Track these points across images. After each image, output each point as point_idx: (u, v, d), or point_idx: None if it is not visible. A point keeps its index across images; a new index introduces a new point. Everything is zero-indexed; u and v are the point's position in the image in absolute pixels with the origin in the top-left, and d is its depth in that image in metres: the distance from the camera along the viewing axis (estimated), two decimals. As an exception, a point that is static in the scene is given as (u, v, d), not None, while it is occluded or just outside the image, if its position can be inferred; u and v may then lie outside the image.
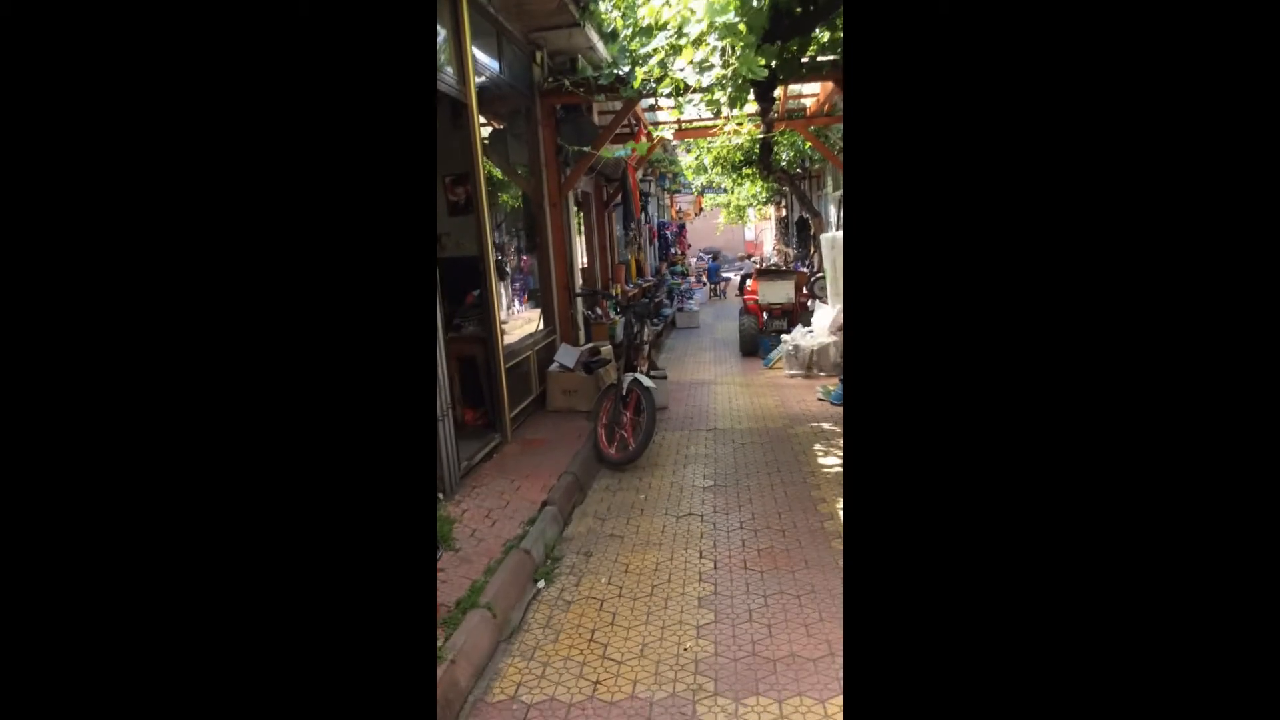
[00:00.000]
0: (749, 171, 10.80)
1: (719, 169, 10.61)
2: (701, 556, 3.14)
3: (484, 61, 5.18)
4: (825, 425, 5.15)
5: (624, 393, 4.53)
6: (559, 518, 3.57)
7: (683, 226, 17.90)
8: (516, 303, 8.53)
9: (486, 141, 6.42)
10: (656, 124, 8.75)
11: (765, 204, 15.44)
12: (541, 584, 2.96)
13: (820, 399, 5.94)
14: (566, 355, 5.70)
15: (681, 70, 3.71)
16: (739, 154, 10.11)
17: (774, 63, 4.71)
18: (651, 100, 6.68)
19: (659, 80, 4.59)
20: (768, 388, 6.62)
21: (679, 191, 16.60)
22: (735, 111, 4.67)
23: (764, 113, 7.10)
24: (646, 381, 4.49)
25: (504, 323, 8.20)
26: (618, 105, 6.64)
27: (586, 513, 3.74)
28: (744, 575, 2.94)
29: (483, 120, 5.97)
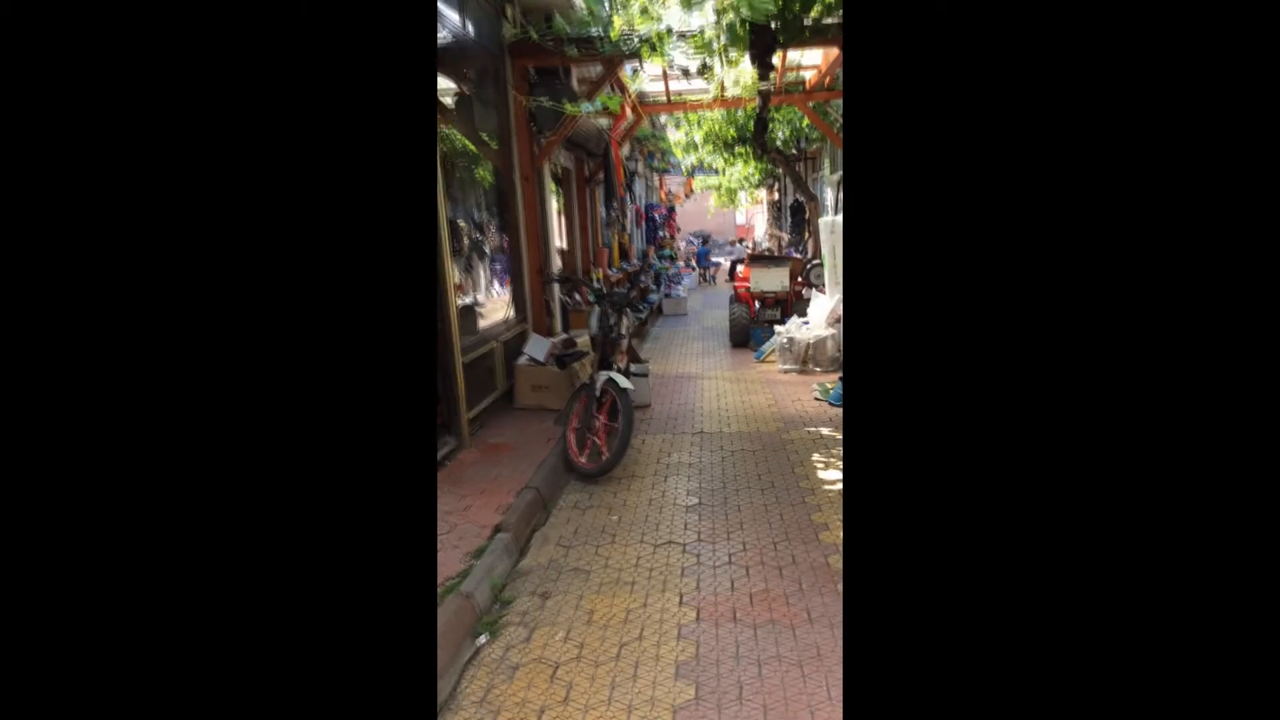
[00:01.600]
0: (741, 150, 10.17)
1: (710, 147, 9.97)
2: (682, 603, 2.59)
3: (443, 13, 4.53)
4: (824, 430, 4.61)
5: (597, 394, 3.96)
6: (514, 546, 3.01)
7: (672, 209, 17.24)
8: (497, 284, 7.98)
9: (451, 107, 5.80)
10: (643, 94, 8.10)
11: (758, 187, 14.81)
12: (483, 639, 2.39)
13: (817, 398, 5.40)
14: (536, 347, 5.11)
15: (665, 10, 3.10)
16: (732, 130, 9.48)
17: (775, 23, 4.12)
18: (635, 64, 6.02)
19: (641, 35, 3.99)
20: (759, 384, 6.08)
21: (668, 172, 15.93)
22: (730, 60, 4.06)
23: (761, 78, 6.50)
24: (623, 382, 3.91)
25: (480, 305, 7.57)
26: (598, 69, 6.01)
27: (549, 538, 3.18)
28: (733, 631, 2.39)
29: (445, 83, 5.37)
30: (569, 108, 2.98)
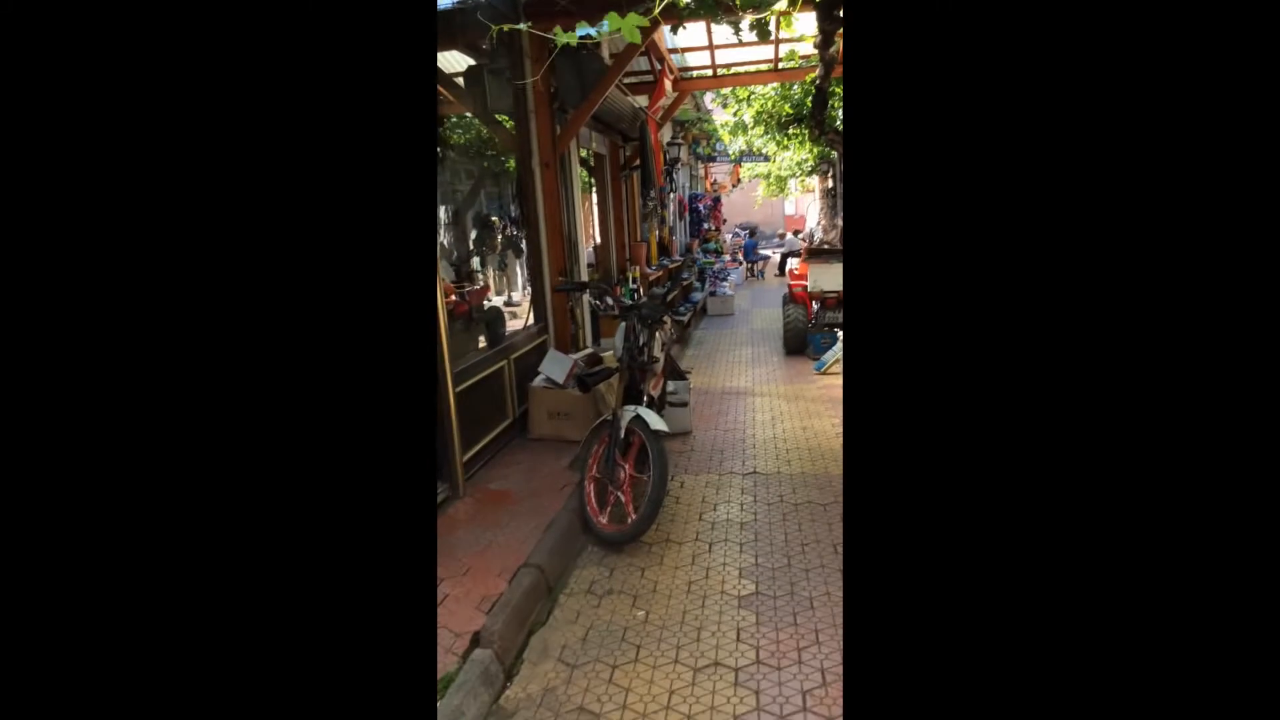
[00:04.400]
0: (796, 132, 9.14)
1: (760, 129, 8.97)
2: (733, 794, 1.71)
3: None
4: (912, 474, 3.65)
5: (622, 435, 3.09)
6: (497, 668, 2.17)
7: (718, 199, 16.21)
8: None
9: (460, 82, 5.01)
10: (686, 69, 7.18)
11: (810, 173, 13.68)
12: None
13: (896, 426, 4.43)
14: (554, 366, 4.27)
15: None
16: (787, 107, 8.47)
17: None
18: (675, 33, 5.08)
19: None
20: (822, 403, 5.13)
21: (713, 160, 14.92)
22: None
23: (825, 44, 5.52)
24: (654, 422, 3.03)
25: (514, 305, 6.74)
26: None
27: (549, 648, 2.33)
28: None
29: (454, 57, 4.58)
30: (561, 35, 2.09)
